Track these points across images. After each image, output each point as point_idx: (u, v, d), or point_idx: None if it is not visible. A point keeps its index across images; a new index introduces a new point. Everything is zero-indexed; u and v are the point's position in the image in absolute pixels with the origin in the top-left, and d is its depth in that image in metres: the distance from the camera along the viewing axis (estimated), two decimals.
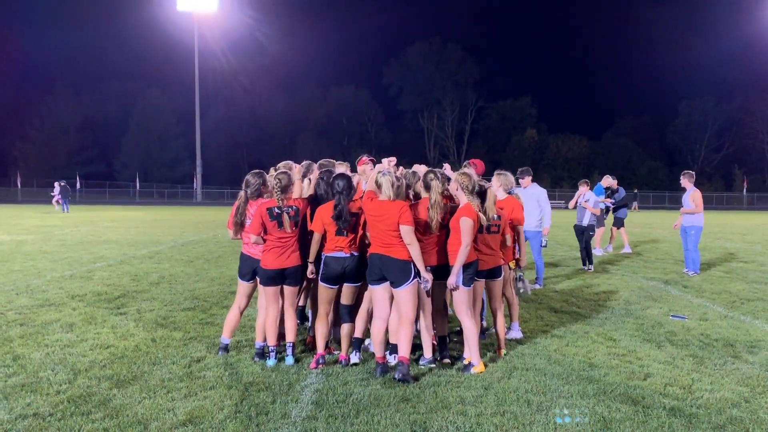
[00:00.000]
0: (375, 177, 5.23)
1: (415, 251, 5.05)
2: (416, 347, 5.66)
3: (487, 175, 6.45)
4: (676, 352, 5.86)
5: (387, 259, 5.07)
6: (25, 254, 13.11)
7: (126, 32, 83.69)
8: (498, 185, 6.49)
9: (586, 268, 11.58)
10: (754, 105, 76.78)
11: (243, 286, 5.74)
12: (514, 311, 6.47)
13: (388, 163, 5.70)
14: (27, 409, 4.27)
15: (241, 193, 5.65)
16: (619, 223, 15.14)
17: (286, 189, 5.40)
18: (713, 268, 11.97)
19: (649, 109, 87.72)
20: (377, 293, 5.22)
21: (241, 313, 5.80)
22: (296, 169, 5.81)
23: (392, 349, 5.44)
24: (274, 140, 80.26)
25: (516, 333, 6.38)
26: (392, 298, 5.23)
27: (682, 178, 11.40)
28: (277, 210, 5.31)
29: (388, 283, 5.17)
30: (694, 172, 11.86)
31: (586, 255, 11.70)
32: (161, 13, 65.62)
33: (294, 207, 5.37)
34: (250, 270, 5.62)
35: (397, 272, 5.06)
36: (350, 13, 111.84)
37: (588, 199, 11.73)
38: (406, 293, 5.10)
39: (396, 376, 4.94)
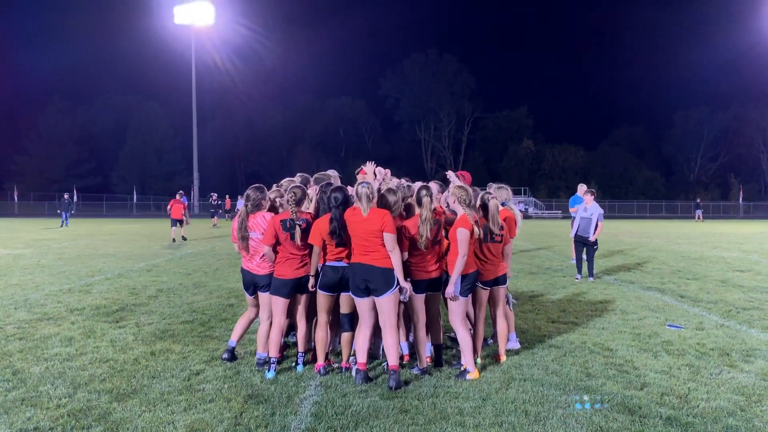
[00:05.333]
0: (356, 187, 5.29)
1: (396, 259, 5.10)
2: (411, 355, 5.85)
3: (481, 186, 6.53)
4: (672, 362, 5.89)
5: (369, 267, 5.12)
6: (23, 268, 13.11)
7: (123, 45, 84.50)
8: None
9: (580, 278, 11.56)
10: (749, 114, 77.24)
11: (248, 299, 5.92)
12: (510, 323, 6.50)
13: (383, 174, 5.76)
14: (27, 424, 4.28)
15: (242, 208, 5.70)
16: None
17: (300, 202, 5.48)
18: (709, 277, 12.02)
19: (645, 118, 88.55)
20: (363, 305, 5.29)
21: (250, 322, 6.00)
22: (313, 187, 5.92)
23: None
24: (271, 152, 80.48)
25: (513, 344, 6.41)
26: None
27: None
28: (290, 222, 5.37)
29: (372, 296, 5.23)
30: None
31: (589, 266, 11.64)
32: (159, 26, 66.06)
33: (306, 220, 5.45)
34: (251, 284, 5.73)
35: (380, 280, 5.10)
36: (346, 25, 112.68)
37: (592, 213, 11.31)
38: (387, 302, 5.15)
39: (390, 385, 5.00)
